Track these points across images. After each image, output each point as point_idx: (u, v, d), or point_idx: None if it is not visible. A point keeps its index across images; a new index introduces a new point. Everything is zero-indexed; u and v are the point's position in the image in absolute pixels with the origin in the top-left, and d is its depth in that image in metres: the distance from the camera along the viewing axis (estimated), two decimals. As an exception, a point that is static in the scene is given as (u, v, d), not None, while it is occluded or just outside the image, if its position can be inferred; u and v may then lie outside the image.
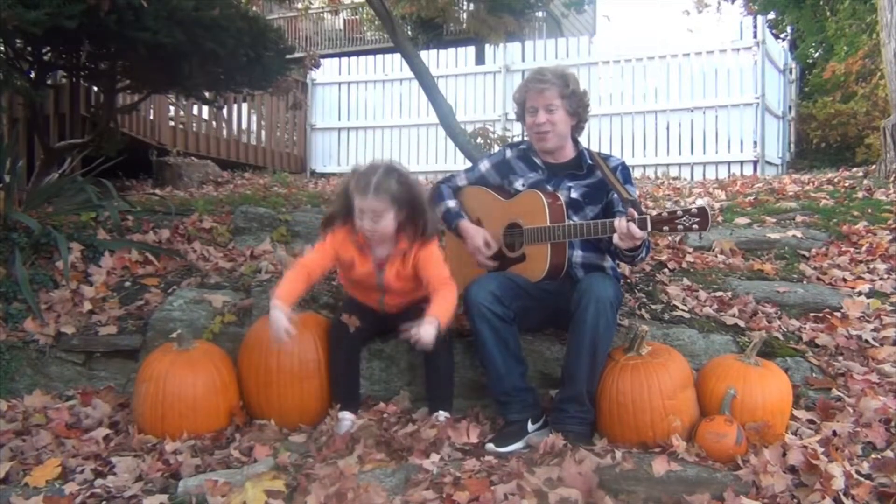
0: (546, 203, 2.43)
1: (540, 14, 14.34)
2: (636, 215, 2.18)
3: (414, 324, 2.20)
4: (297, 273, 2.41)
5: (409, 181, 2.34)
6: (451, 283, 2.37)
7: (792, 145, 9.18)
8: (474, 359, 2.52)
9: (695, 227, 2.11)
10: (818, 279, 3.33)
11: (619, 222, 2.19)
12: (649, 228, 2.17)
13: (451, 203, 2.73)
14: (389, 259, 2.42)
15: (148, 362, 2.45)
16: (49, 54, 4.35)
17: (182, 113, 7.92)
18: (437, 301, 2.31)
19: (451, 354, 2.51)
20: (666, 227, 2.16)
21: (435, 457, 2.13)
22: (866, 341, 2.78)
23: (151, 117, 7.30)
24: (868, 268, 3.41)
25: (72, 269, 3.15)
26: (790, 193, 4.76)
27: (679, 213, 2.13)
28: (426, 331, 2.18)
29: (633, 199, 2.33)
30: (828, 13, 11.82)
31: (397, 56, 8.64)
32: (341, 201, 2.38)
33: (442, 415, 2.40)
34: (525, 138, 2.70)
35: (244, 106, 8.87)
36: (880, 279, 3.27)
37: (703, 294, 3.06)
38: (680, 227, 2.13)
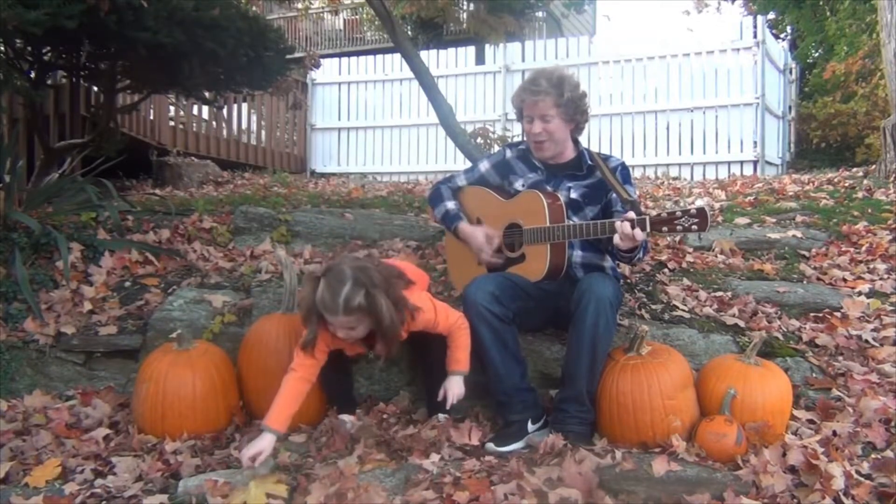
0: (545, 203, 2.43)
1: (540, 14, 14.34)
2: (635, 216, 2.18)
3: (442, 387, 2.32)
4: (293, 388, 2.23)
5: (377, 286, 2.11)
6: (459, 324, 2.33)
7: (792, 145, 9.18)
8: (473, 359, 2.52)
9: (694, 227, 2.11)
10: (818, 279, 3.32)
11: (619, 223, 2.19)
12: (648, 229, 2.17)
13: (451, 204, 2.73)
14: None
15: (148, 362, 2.45)
16: (49, 54, 4.36)
17: (182, 113, 7.93)
18: (452, 349, 2.35)
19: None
20: (665, 228, 2.16)
21: (435, 457, 2.13)
22: (866, 341, 2.78)
23: (151, 117, 7.31)
24: (868, 268, 3.41)
25: (72, 269, 3.15)
26: (790, 193, 4.76)
27: (678, 213, 2.13)
28: (454, 389, 2.31)
29: (632, 200, 2.33)
30: (828, 13, 11.82)
31: (397, 56, 8.64)
32: (310, 311, 2.16)
33: (441, 416, 2.40)
34: (525, 139, 2.70)
35: (244, 106, 8.88)
36: (880, 279, 3.27)
37: (703, 294, 3.06)
38: (679, 227, 2.13)
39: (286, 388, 2.23)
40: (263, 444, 2.11)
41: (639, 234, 2.16)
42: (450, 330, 2.34)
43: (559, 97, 2.49)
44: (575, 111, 2.54)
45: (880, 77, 8.61)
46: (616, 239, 2.21)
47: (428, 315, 2.28)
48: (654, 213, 2.20)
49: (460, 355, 2.34)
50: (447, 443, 2.23)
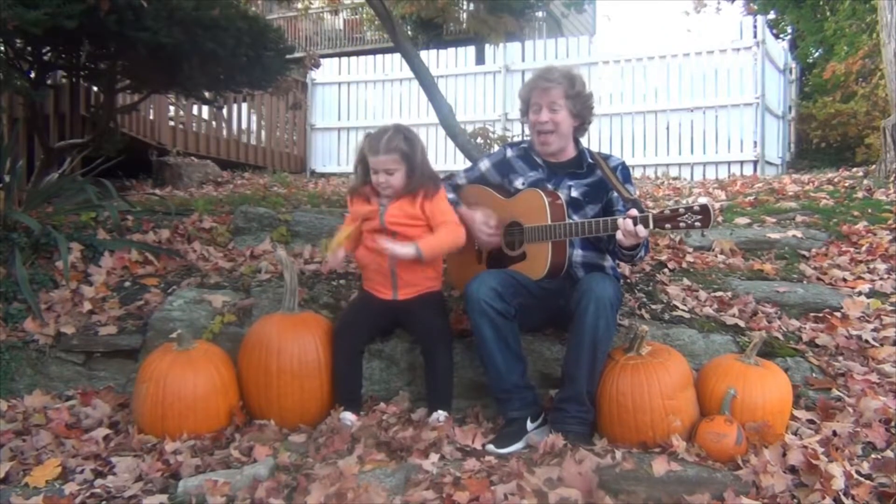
0: (547, 201, 2.43)
1: (540, 14, 14.35)
2: (637, 214, 2.17)
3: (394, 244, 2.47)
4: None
5: (415, 140, 2.55)
6: (455, 226, 2.55)
7: (792, 145, 9.18)
8: (474, 359, 2.52)
9: (697, 224, 2.10)
10: (818, 279, 3.32)
11: (623, 220, 2.18)
12: (652, 226, 2.16)
13: (450, 196, 2.73)
14: (392, 200, 2.58)
15: (148, 362, 2.45)
16: (49, 54, 4.35)
17: (182, 113, 7.91)
18: (434, 233, 2.52)
19: (450, 354, 2.52)
20: (668, 225, 2.15)
21: (434, 457, 2.13)
22: (866, 341, 2.78)
23: (151, 117, 7.30)
24: (868, 268, 3.41)
25: (72, 269, 3.15)
26: (790, 193, 4.76)
27: (681, 210, 2.13)
28: (398, 249, 2.44)
29: (634, 199, 2.33)
30: (828, 13, 11.81)
31: (397, 56, 8.64)
32: (360, 166, 2.61)
33: (441, 414, 2.40)
34: (526, 137, 2.70)
35: (244, 106, 8.86)
36: (880, 279, 3.27)
37: (703, 294, 3.06)
38: (682, 224, 2.12)
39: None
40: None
41: (642, 231, 2.16)
42: (444, 223, 2.54)
43: (570, 88, 2.54)
44: (581, 107, 2.58)
45: (880, 77, 8.61)
46: (619, 235, 2.21)
47: (439, 200, 2.54)
48: (656, 211, 2.19)
49: (432, 239, 2.50)
50: (447, 442, 2.23)
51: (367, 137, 2.57)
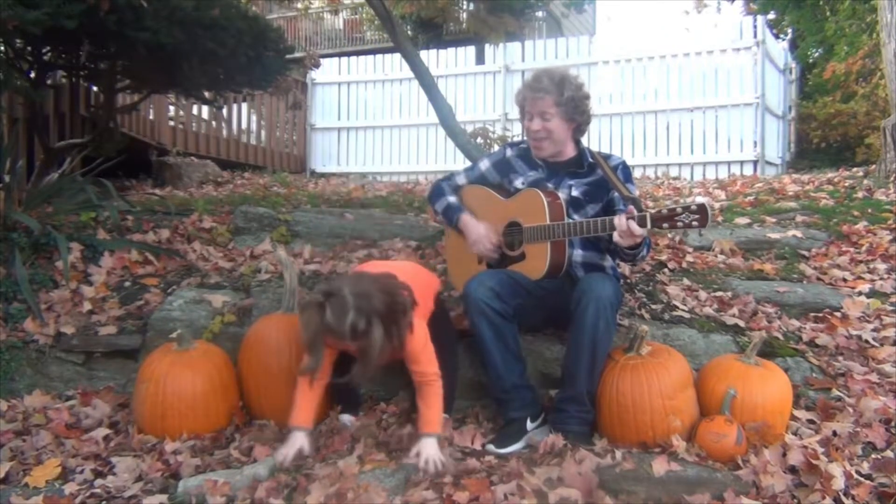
0: (545, 201, 2.43)
1: (540, 14, 14.36)
2: (636, 213, 2.17)
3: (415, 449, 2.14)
4: (304, 388, 2.26)
5: (373, 310, 2.04)
6: (434, 379, 2.23)
7: (792, 145, 9.18)
8: (474, 359, 2.52)
9: (695, 223, 2.10)
10: (818, 279, 3.32)
11: (620, 220, 2.18)
12: (649, 226, 2.16)
13: (452, 199, 2.73)
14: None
15: (148, 362, 2.45)
16: (49, 54, 4.35)
17: (182, 113, 7.91)
18: (423, 406, 2.22)
19: (452, 357, 2.50)
20: (666, 225, 2.15)
21: (435, 457, 2.13)
22: (866, 341, 2.78)
23: (151, 117, 7.30)
24: (868, 268, 3.41)
25: (72, 269, 3.15)
26: (790, 193, 4.76)
27: (679, 210, 2.13)
28: (429, 451, 2.11)
29: (633, 198, 2.33)
30: (828, 13, 11.82)
31: (397, 56, 8.63)
32: (317, 335, 2.09)
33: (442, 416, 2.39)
34: (526, 137, 2.70)
35: (244, 106, 8.86)
36: (880, 279, 3.27)
37: (703, 294, 3.06)
38: (680, 224, 2.12)
39: (303, 389, 2.25)
40: (298, 443, 2.16)
41: (638, 230, 2.16)
42: (423, 378, 2.22)
43: (559, 96, 2.50)
44: (574, 111, 2.54)
45: (880, 77, 8.62)
46: (616, 236, 2.21)
47: (416, 345, 2.21)
48: (654, 210, 2.19)
49: (432, 416, 2.19)
50: (447, 443, 2.23)
51: (325, 316, 2.02)
